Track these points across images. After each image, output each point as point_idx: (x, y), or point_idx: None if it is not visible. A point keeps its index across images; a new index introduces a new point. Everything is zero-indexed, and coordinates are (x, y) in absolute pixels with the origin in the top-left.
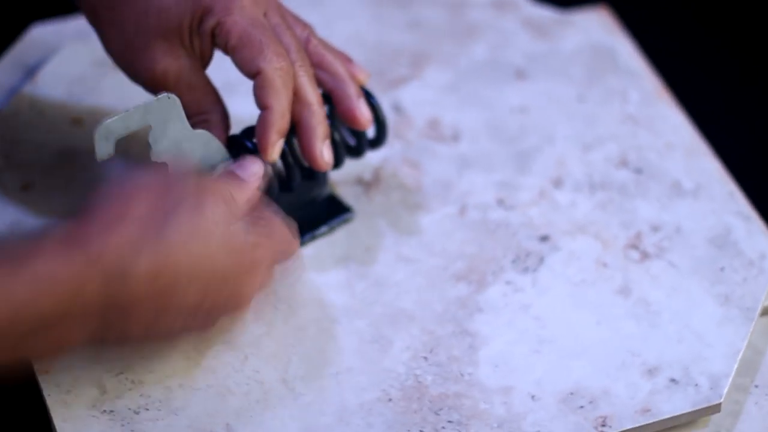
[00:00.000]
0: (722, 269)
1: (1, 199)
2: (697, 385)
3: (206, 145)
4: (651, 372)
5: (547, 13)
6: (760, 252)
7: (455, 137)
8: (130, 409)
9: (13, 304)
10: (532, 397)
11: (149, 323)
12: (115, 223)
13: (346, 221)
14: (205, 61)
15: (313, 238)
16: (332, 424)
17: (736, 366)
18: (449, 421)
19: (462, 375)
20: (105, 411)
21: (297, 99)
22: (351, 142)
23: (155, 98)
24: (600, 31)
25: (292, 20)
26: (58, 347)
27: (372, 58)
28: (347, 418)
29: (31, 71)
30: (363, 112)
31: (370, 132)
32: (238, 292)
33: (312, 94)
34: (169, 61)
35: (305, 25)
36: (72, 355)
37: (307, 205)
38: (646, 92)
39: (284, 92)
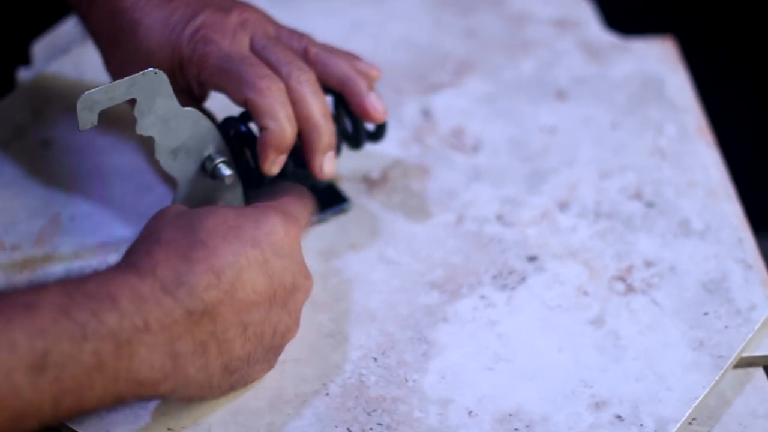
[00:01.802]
0: (706, 314)
1: (19, 153)
2: (642, 425)
3: (195, 124)
4: (598, 405)
5: (608, 38)
6: (752, 303)
7: (475, 148)
8: None
9: (76, 321)
10: (470, 412)
11: (241, 333)
12: (154, 248)
13: (341, 212)
14: (195, 96)
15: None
16: (263, 409)
17: (689, 412)
18: (378, 424)
19: (406, 381)
20: None
21: (298, 111)
22: (350, 130)
23: (141, 72)
24: (656, 61)
25: (286, 35)
26: (155, 382)
27: (417, 61)
28: (279, 406)
29: None
30: (375, 106)
31: (370, 125)
32: (298, 268)
33: (311, 104)
34: None
35: (302, 36)
36: None
37: None
38: (684, 128)
39: (278, 109)
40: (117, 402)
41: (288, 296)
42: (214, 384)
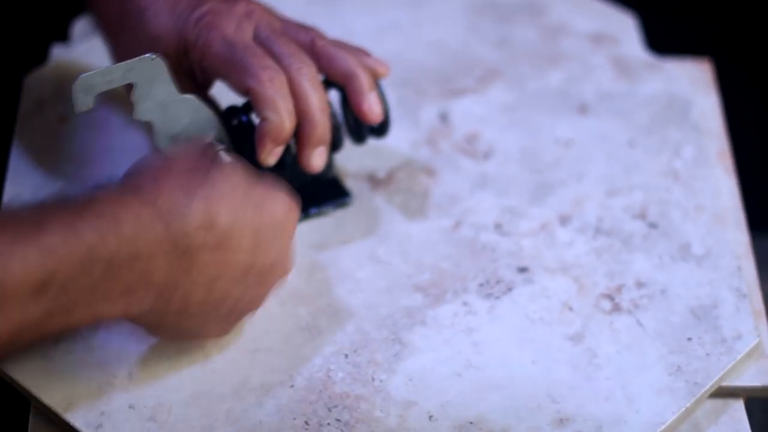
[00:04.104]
0: (689, 339)
1: (37, 127)
2: None
3: (195, 111)
4: (561, 422)
5: (643, 56)
6: (738, 332)
7: (486, 155)
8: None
9: (85, 242)
10: (430, 417)
11: (209, 285)
12: (163, 175)
13: (341, 206)
14: (199, 83)
15: (306, 217)
16: (226, 395)
17: None
18: (337, 420)
19: (373, 380)
20: None
21: (297, 103)
22: (354, 124)
23: (138, 58)
24: (687, 82)
25: (293, 29)
26: (127, 304)
27: (444, 65)
28: (243, 394)
29: None
30: (371, 108)
31: None
32: (284, 250)
33: (309, 97)
34: None
35: (309, 30)
36: None
37: (309, 184)
38: (703, 151)
39: (279, 101)
40: (94, 321)
41: (264, 272)
42: (164, 325)
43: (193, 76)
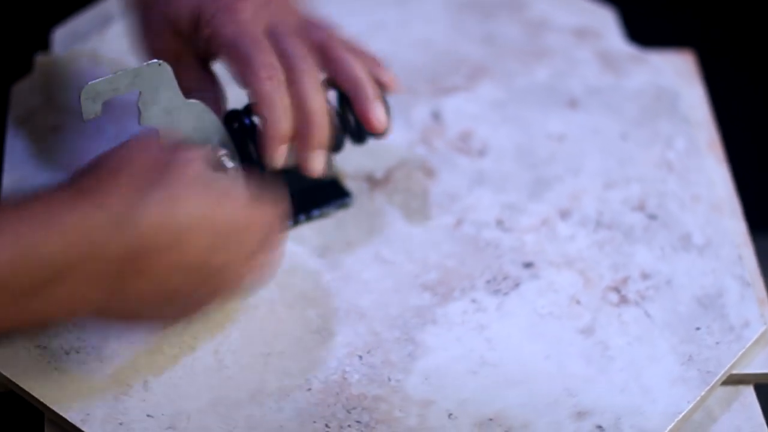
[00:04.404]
0: (698, 329)
1: (29, 137)
2: None
3: (199, 116)
4: (580, 415)
5: (627, 49)
6: (745, 320)
7: (481, 153)
8: (62, 348)
9: (24, 245)
10: (450, 415)
11: (162, 283)
12: (117, 173)
13: (342, 207)
14: (200, 55)
15: (308, 219)
16: (243, 400)
17: (671, 426)
18: (357, 421)
19: (389, 380)
20: (39, 346)
21: (296, 105)
22: (354, 125)
23: (145, 63)
24: (672, 74)
25: (308, 25)
26: (73, 306)
27: (432, 64)
28: (260, 399)
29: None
30: (377, 117)
31: None
32: (245, 251)
33: (310, 99)
34: (169, 43)
35: (325, 29)
36: None
37: (308, 186)
38: (694, 142)
39: (278, 100)
40: (41, 321)
41: (215, 272)
42: (112, 317)
43: (198, 47)
